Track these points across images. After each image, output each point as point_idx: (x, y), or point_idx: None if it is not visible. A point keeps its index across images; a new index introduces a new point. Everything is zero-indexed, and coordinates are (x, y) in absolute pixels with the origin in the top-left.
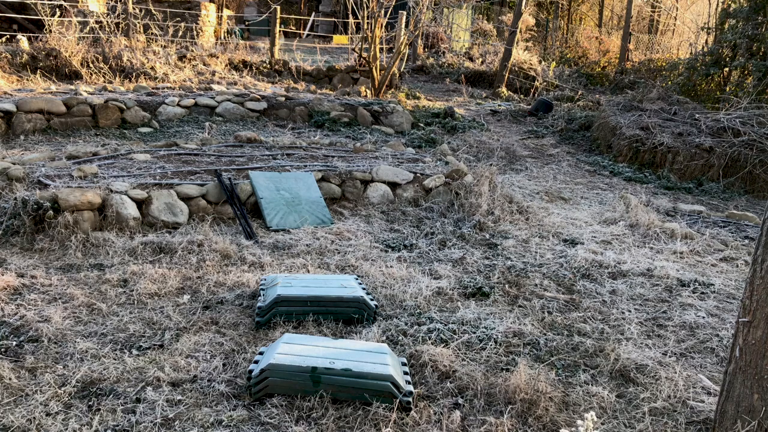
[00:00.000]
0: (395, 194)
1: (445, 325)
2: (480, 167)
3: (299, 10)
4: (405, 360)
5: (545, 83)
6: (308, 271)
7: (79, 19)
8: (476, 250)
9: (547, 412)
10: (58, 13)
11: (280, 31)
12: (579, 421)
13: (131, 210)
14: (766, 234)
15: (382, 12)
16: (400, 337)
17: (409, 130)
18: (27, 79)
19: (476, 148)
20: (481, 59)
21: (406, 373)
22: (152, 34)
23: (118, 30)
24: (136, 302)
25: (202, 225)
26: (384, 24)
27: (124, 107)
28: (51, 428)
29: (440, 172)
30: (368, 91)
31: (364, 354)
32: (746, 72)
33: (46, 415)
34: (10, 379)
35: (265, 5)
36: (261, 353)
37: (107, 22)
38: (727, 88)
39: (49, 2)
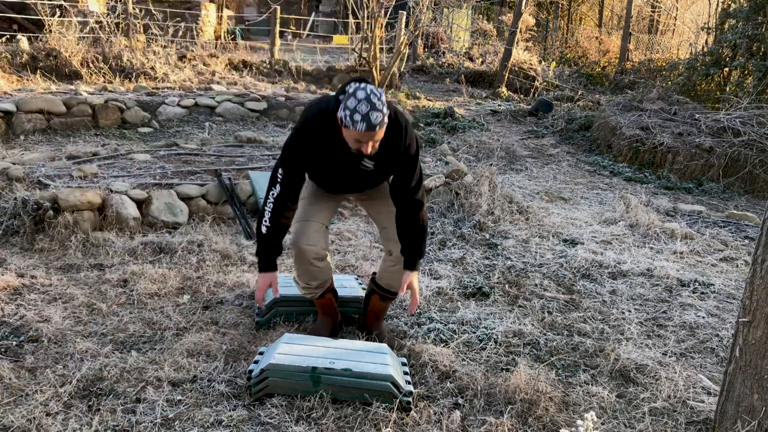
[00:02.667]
0: None
1: (445, 325)
2: (480, 167)
3: (299, 10)
4: (405, 360)
5: (545, 83)
6: None
7: (79, 19)
8: (476, 250)
9: (547, 412)
10: (58, 13)
11: (279, 31)
12: (579, 421)
13: (131, 210)
14: (766, 234)
15: (382, 12)
16: (400, 337)
17: None
18: (27, 79)
19: (476, 148)
20: (481, 59)
21: (406, 373)
22: (152, 34)
23: (118, 30)
24: (136, 302)
25: (202, 225)
26: (384, 24)
27: (124, 107)
28: (51, 428)
29: (440, 172)
30: None
31: (365, 354)
32: (746, 72)
33: (46, 415)
34: (10, 379)
35: (265, 5)
36: (261, 353)
37: (107, 22)
38: (727, 88)
39: (49, 2)
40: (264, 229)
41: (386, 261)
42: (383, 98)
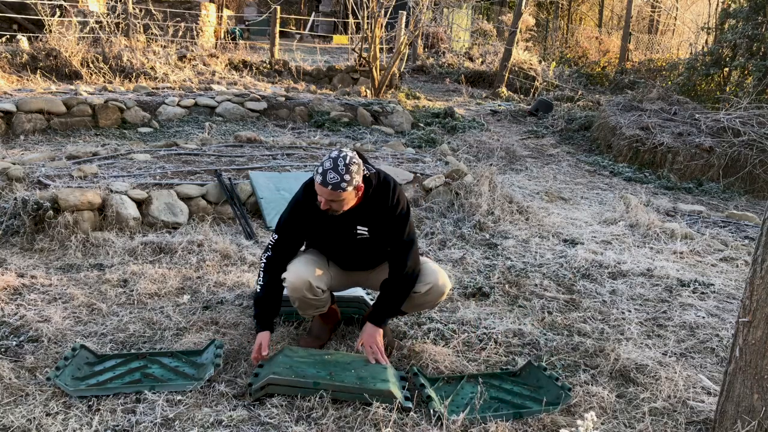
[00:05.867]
0: None
1: (445, 325)
2: (480, 167)
3: (299, 10)
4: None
5: (545, 83)
6: None
7: (79, 19)
8: (476, 250)
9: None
10: (58, 13)
11: (281, 30)
12: (579, 421)
13: (131, 210)
14: (766, 234)
15: (382, 12)
16: (399, 337)
17: (409, 130)
18: (27, 79)
19: (476, 148)
20: (481, 59)
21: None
22: (152, 34)
23: (118, 30)
24: (136, 302)
25: (202, 225)
26: (384, 24)
27: (124, 107)
28: (51, 428)
29: (440, 172)
30: (368, 91)
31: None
32: (746, 72)
33: (46, 415)
34: (10, 379)
35: (265, 5)
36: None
37: (107, 22)
38: (727, 88)
39: (49, 2)
40: (258, 289)
41: None
42: (352, 168)
